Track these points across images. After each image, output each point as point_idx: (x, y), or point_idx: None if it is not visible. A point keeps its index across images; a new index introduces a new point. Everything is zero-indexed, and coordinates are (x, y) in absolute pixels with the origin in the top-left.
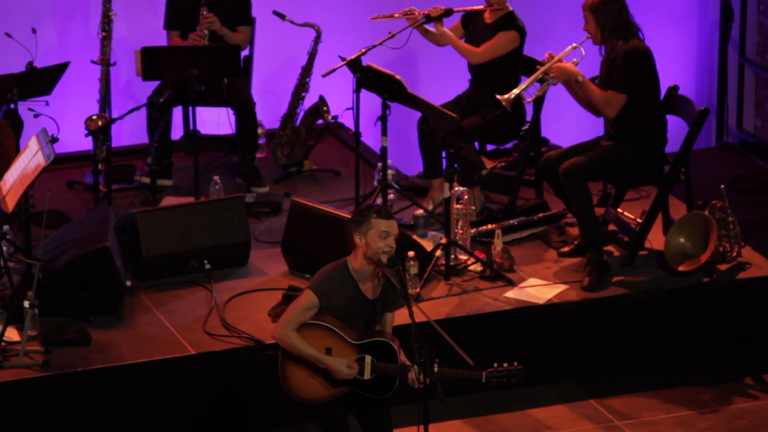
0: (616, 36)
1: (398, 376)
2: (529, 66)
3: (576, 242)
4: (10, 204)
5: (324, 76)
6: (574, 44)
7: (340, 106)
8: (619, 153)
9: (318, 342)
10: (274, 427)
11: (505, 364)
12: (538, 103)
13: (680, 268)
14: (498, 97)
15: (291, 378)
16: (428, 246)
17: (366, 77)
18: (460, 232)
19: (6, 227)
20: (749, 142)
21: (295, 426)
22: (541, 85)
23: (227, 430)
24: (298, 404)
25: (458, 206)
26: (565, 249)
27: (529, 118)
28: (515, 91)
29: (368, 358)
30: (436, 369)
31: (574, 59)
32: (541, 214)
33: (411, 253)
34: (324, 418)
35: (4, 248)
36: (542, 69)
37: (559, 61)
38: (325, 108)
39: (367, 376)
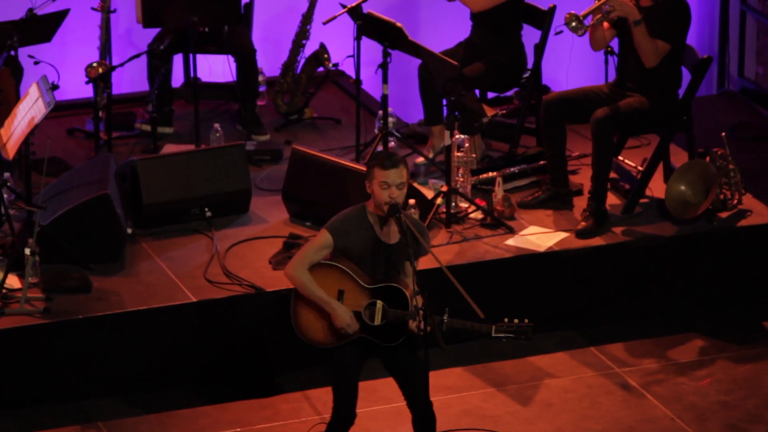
0: None
1: (406, 323)
2: (532, 14)
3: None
4: (11, 151)
5: (325, 23)
6: None
7: (340, 54)
8: (649, 106)
9: (331, 283)
10: (283, 371)
11: (516, 320)
12: (539, 50)
13: (681, 216)
14: (570, 13)
15: (302, 319)
16: (429, 194)
17: (367, 25)
18: (461, 179)
19: (6, 175)
20: (750, 90)
21: (305, 370)
22: (601, 16)
23: (227, 378)
24: (307, 348)
25: (459, 154)
26: (529, 198)
27: (530, 65)
28: (584, 12)
29: (379, 303)
30: (446, 319)
31: None
32: (542, 162)
33: (412, 201)
34: (336, 376)
35: (5, 196)
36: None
37: None
38: (325, 56)
39: (377, 321)
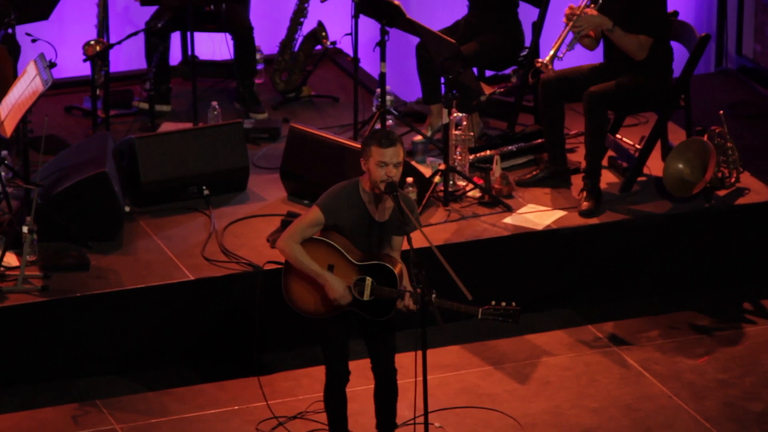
0: None
1: (394, 300)
2: None
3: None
4: (9, 129)
5: (322, 1)
6: None
7: (338, 32)
8: (641, 85)
9: (321, 258)
10: (278, 350)
11: (503, 303)
12: (537, 28)
13: (678, 194)
14: (538, 63)
15: (293, 291)
16: (427, 172)
17: (364, 2)
18: (459, 158)
19: (4, 152)
20: (748, 68)
21: (301, 350)
22: (573, 37)
23: (225, 356)
24: (301, 327)
25: (457, 132)
26: (527, 177)
27: (528, 43)
28: (551, 52)
29: (369, 280)
30: (434, 298)
31: (591, 5)
32: (539, 140)
33: (410, 179)
34: (324, 338)
35: (3, 173)
36: (571, 23)
37: (582, 11)
38: (323, 33)
39: (366, 297)
